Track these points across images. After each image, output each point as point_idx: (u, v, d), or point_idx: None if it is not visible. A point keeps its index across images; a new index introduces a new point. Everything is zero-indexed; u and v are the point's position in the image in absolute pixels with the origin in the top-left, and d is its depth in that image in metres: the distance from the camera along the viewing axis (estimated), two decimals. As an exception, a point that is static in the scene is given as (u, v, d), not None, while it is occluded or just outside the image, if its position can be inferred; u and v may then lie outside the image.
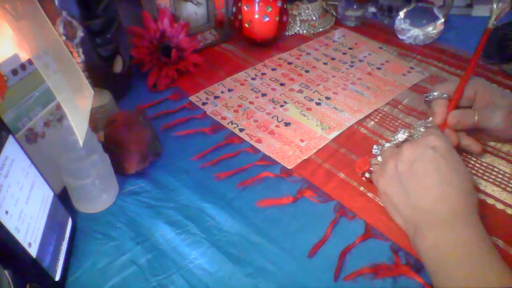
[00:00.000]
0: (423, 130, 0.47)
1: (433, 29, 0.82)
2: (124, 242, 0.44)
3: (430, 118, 0.52)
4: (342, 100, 0.67)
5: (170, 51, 0.68)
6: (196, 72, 0.73)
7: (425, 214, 0.40)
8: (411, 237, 0.41)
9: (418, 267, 0.42)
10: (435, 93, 0.53)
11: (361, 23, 0.92)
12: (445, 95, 0.53)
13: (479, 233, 0.37)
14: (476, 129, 0.52)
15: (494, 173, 0.53)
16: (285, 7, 0.79)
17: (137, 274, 0.41)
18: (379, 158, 0.49)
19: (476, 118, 0.51)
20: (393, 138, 0.49)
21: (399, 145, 0.47)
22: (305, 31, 0.89)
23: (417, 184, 0.41)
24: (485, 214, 0.45)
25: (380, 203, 0.49)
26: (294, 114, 0.64)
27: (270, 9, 0.76)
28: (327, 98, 0.67)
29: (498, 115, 0.50)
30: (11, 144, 0.36)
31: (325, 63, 0.77)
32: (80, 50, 0.51)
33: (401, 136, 0.48)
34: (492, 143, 0.57)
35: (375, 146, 0.51)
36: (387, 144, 0.48)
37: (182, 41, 0.70)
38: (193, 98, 0.67)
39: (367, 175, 0.50)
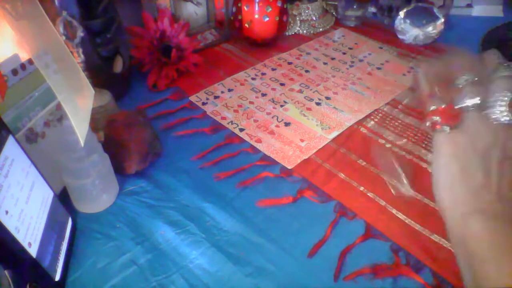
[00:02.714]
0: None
1: (433, 29, 0.82)
2: (124, 242, 0.44)
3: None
4: (342, 100, 0.67)
5: (170, 51, 0.68)
6: (196, 72, 0.73)
7: (484, 209, 0.35)
8: (454, 218, 0.36)
9: (418, 267, 0.42)
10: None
11: (361, 23, 0.92)
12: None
13: None
14: None
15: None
16: (285, 7, 0.79)
17: (137, 274, 0.41)
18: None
19: None
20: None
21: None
22: (305, 31, 0.89)
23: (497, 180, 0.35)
24: None
25: (381, 203, 0.49)
26: (294, 114, 0.64)
27: (270, 9, 0.76)
28: (327, 98, 0.67)
29: None
30: (11, 144, 0.36)
31: (325, 63, 0.77)
32: (80, 50, 0.51)
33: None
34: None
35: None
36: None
37: (182, 41, 0.70)
38: (193, 98, 0.67)
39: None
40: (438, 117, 0.37)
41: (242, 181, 0.52)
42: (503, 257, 0.34)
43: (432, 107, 0.38)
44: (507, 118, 0.34)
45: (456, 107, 0.36)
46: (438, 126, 0.37)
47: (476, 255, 0.34)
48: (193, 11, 0.80)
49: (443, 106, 0.37)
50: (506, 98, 0.34)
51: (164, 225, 0.46)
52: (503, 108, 0.34)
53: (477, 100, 0.35)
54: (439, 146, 0.37)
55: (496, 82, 0.35)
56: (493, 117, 0.34)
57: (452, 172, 0.36)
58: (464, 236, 0.36)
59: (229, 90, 0.69)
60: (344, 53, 0.81)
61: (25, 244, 0.35)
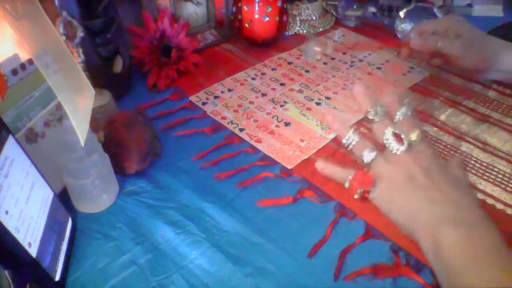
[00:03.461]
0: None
1: (433, 29, 0.82)
2: (124, 242, 0.44)
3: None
4: (342, 100, 0.67)
5: (170, 51, 0.68)
6: (196, 72, 0.73)
7: (449, 219, 0.36)
8: (427, 238, 0.37)
9: (418, 267, 0.42)
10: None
11: (361, 23, 0.92)
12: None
13: (501, 237, 0.35)
14: (441, 55, 0.61)
15: (494, 173, 0.53)
16: (285, 7, 0.79)
17: (137, 274, 0.41)
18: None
19: (439, 44, 0.59)
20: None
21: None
22: (305, 31, 0.89)
23: (440, 191, 0.38)
24: None
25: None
26: (294, 114, 0.64)
27: (270, 9, 0.76)
28: (327, 98, 0.67)
29: (458, 44, 0.58)
30: (11, 144, 0.36)
31: (325, 63, 0.77)
32: (80, 50, 0.51)
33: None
34: (492, 143, 0.57)
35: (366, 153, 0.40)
36: (373, 152, 0.40)
37: (182, 41, 0.70)
38: (193, 98, 0.67)
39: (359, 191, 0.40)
40: (356, 184, 0.40)
41: (242, 181, 0.52)
42: (478, 264, 0.33)
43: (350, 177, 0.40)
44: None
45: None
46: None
47: (452, 266, 0.34)
48: (193, 11, 0.80)
49: (357, 173, 0.40)
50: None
51: (164, 225, 0.46)
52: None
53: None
54: (381, 179, 0.39)
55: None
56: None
57: (403, 192, 0.38)
58: (438, 249, 0.35)
59: (229, 90, 0.69)
60: (344, 53, 0.81)
61: (25, 244, 0.35)
